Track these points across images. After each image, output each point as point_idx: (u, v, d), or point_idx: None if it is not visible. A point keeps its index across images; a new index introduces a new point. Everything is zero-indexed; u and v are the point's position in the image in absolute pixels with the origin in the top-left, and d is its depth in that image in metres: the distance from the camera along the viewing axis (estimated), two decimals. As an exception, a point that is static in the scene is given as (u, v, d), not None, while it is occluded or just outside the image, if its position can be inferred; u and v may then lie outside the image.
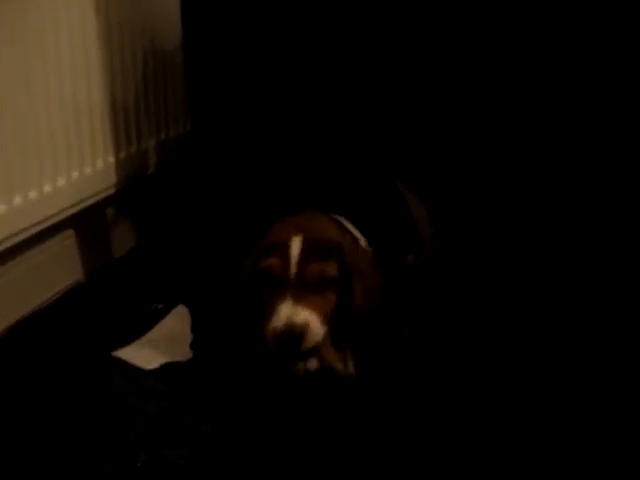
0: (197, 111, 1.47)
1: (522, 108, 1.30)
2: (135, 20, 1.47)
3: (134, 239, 1.64)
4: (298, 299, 0.99)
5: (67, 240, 1.41)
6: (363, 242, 1.14)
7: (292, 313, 0.98)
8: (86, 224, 1.45)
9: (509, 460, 0.90)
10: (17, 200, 1.15)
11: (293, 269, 1.00)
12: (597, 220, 1.28)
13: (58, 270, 1.38)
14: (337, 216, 1.15)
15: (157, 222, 1.67)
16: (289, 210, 1.13)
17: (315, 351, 1.03)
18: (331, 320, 1.03)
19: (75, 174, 1.30)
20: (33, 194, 1.19)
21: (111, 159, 1.42)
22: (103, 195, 1.40)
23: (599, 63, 1.23)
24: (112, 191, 1.44)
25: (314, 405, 1.01)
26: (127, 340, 1.18)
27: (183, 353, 1.16)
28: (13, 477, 0.88)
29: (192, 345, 1.18)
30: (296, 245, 1.00)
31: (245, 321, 1.09)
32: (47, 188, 1.22)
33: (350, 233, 1.12)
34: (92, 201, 1.37)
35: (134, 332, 1.20)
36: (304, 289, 1.00)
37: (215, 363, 1.13)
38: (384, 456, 0.92)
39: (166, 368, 1.11)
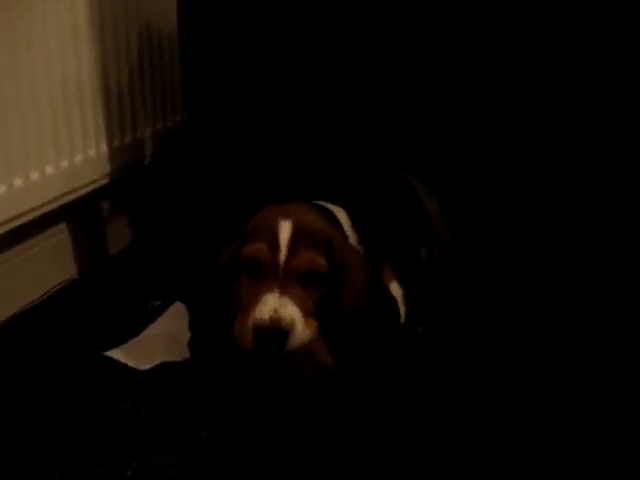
0: (193, 100, 1.44)
1: (537, 98, 1.28)
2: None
3: (130, 234, 1.61)
4: (285, 290, 0.88)
5: (60, 235, 1.38)
6: (353, 239, 1.05)
7: (279, 304, 0.87)
8: (80, 218, 1.42)
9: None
10: (1, 189, 1.11)
11: (282, 255, 0.89)
12: (605, 212, 1.27)
13: (50, 266, 1.35)
14: (334, 207, 1.08)
15: (154, 216, 1.65)
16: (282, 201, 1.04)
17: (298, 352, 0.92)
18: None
19: (65, 162, 1.27)
20: (18, 182, 1.15)
21: (104, 147, 1.39)
22: (95, 185, 1.37)
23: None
24: (105, 181, 1.40)
25: (316, 407, 0.97)
26: (122, 339, 1.15)
27: (181, 352, 1.12)
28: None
29: (190, 344, 1.14)
30: (286, 229, 0.90)
31: (216, 317, 1.00)
32: (34, 176, 1.19)
33: (339, 228, 1.04)
34: (84, 191, 1.34)
35: (130, 331, 1.17)
36: (292, 280, 0.89)
37: (213, 363, 1.09)
38: (385, 457, 0.88)
39: (161, 369, 1.08)
